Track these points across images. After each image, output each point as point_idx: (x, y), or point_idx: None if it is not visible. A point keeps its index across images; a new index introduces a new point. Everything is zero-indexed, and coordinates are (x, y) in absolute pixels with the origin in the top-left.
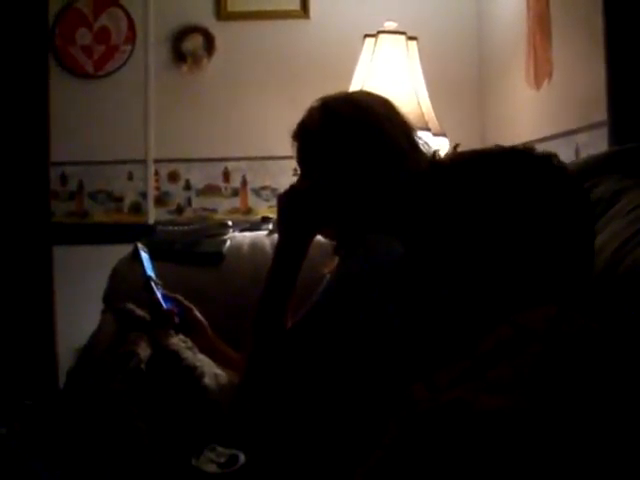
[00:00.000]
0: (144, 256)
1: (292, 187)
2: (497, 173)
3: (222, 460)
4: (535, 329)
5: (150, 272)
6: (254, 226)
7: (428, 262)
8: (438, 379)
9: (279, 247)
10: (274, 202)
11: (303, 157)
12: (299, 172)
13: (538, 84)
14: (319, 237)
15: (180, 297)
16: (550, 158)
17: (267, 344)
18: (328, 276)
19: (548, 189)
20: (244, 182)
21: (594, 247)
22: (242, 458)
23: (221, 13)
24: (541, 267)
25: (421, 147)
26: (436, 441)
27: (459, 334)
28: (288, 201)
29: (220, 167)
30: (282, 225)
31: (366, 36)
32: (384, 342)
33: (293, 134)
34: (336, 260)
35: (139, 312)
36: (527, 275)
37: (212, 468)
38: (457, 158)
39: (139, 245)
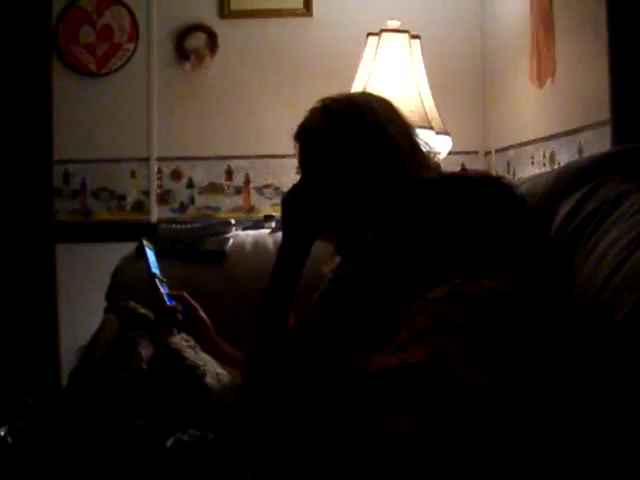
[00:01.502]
0: (149, 253)
1: (294, 187)
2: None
3: (193, 440)
4: (435, 297)
5: (155, 269)
6: (257, 224)
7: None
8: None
9: (282, 246)
10: (277, 200)
11: (304, 158)
12: (301, 172)
13: (541, 82)
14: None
15: (186, 295)
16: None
17: (270, 342)
18: (330, 275)
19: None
20: (247, 180)
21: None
22: (210, 436)
23: (224, 11)
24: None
25: (421, 147)
26: (349, 403)
27: None
28: (291, 201)
29: (223, 165)
30: (286, 225)
31: (369, 34)
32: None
33: (294, 135)
34: (337, 260)
35: (141, 310)
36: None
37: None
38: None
39: (144, 242)
